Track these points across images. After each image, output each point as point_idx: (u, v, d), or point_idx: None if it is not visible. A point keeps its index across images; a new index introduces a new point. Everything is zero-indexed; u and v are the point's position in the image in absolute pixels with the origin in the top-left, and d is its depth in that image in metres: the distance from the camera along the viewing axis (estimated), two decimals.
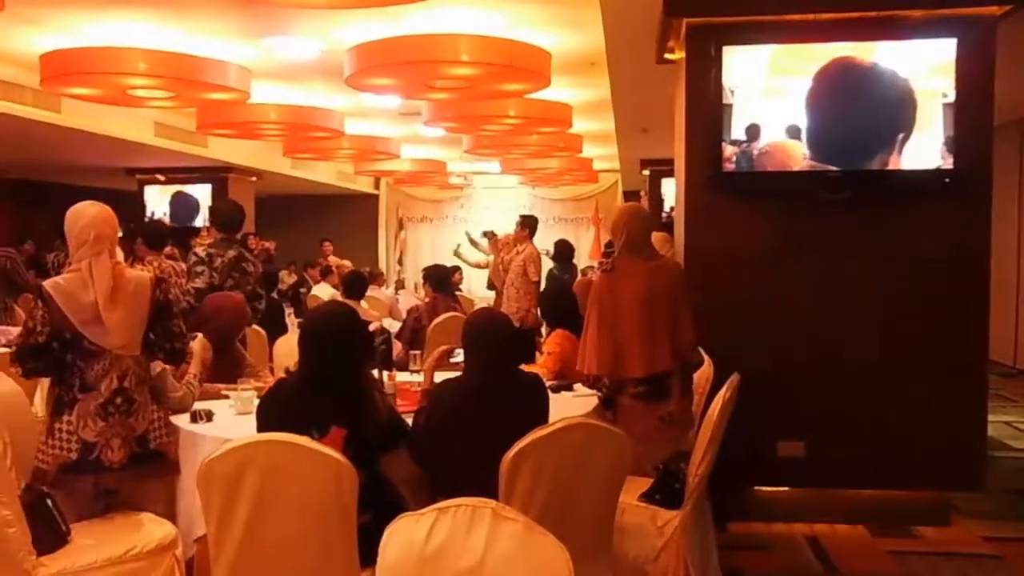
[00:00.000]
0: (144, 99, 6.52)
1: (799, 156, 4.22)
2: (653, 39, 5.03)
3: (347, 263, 11.29)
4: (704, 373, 3.98)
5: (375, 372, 3.73)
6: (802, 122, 4.20)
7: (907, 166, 4.17)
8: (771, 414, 4.28)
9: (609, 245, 9.01)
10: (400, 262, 16.56)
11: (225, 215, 5.61)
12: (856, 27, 4.19)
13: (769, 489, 4.51)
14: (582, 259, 11.04)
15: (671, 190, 10.23)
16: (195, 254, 5.43)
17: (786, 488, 4.50)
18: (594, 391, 3.82)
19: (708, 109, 4.30)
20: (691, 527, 3.22)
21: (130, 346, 3.05)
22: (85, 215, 3.08)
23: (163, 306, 3.14)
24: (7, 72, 7.01)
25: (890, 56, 4.14)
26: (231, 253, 5.27)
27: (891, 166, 4.18)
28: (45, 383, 3.90)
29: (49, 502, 2.83)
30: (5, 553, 2.68)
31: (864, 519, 4.40)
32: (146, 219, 11.64)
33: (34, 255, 10.53)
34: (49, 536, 2.78)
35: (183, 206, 11.95)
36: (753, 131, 4.24)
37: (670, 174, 9.24)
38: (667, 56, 5.01)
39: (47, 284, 3.03)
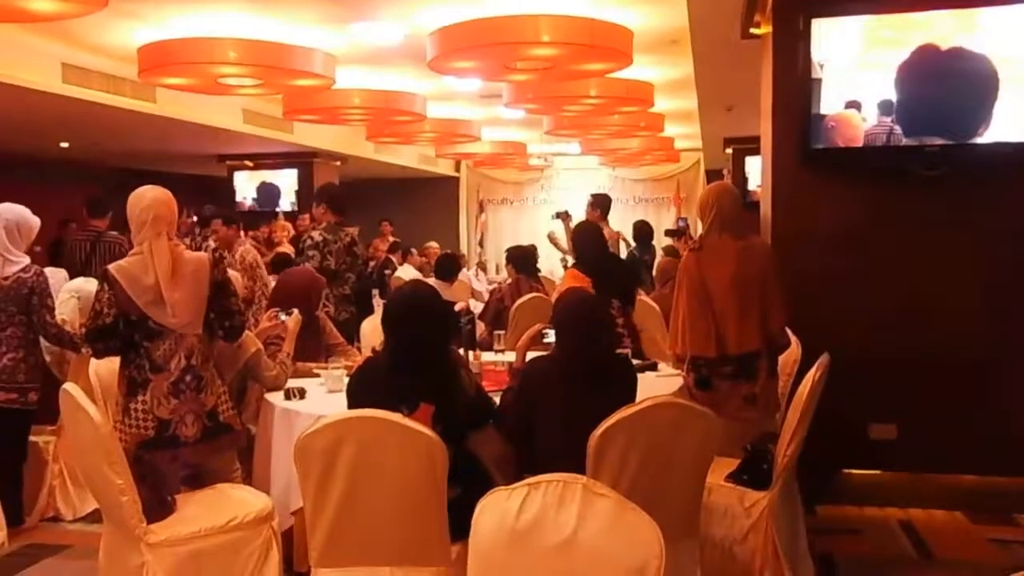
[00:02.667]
0: (234, 87, 6.72)
1: (861, 128, 4.08)
2: (738, 14, 4.92)
3: (434, 244, 11.43)
4: (792, 354, 3.91)
5: (461, 352, 3.78)
6: (895, 96, 4.06)
7: (1004, 138, 3.99)
8: (862, 396, 4.19)
9: (682, 221, 8.70)
10: (481, 244, 16.65)
11: (339, 200, 5.81)
12: None
13: (860, 472, 4.41)
14: (661, 239, 10.84)
15: (756, 168, 10.04)
16: (310, 237, 5.64)
17: (878, 472, 4.39)
18: (680, 371, 3.81)
19: (796, 85, 4.19)
20: (780, 509, 3.18)
21: (192, 324, 3.15)
22: (144, 198, 3.17)
23: (221, 285, 3.23)
24: (108, 65, 7.30)
25: (993, 24, 3.95)
26: (346, 239, 5.48)
27: (987, 139, 4.00)
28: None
29: (155, 473, 2.98)
30: (119, 520, 2.84)
31: (962, 505, 4.26)
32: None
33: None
34: (156, 505, 2.92)
35: (267, 193, 12.50)
36: (849, 106, 4.11)
37: (755, 152, 9.07)
38: (752, 31, 4.91)
39: (112, 267, 3.13)
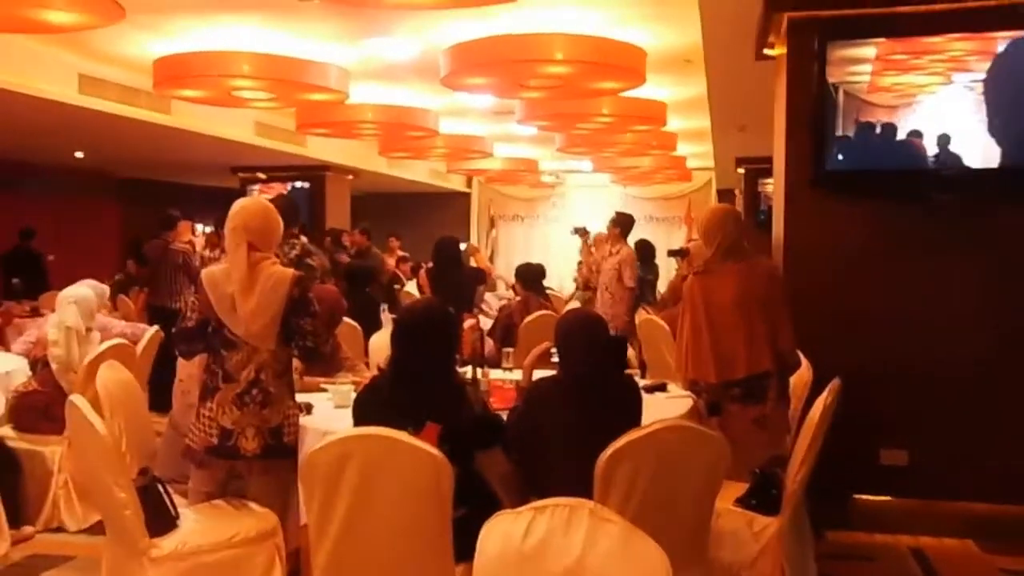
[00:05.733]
0: (248, 100, 6.76)
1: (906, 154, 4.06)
2: (752, 35, 4.92)
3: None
4: (802, 377, 3.87)
5: (470, 369, 3.76)
6: (919, 121, 4.03)
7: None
8: (873, 421, 4.14)
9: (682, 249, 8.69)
10: (491, 260, 16.66)
11: (285, 213, 5.58)
12: (975, 18, 3.99)
13: (870, 498, 4.35)
14: (664, 258, 10.80)
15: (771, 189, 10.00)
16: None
17: (888, 497, 4.34)
18: (690, 393, 3.78)
19: (810, 106, 4.17)
20: (789, 534, 3.14)
21: (262, 338, 3.12)
22: (234, 208, 3.23)
23: (297, 303, 3.16)
24: (123, 76, 7.36)
25: (1013, 50, 3.93)
26: (293, 252, 5.07)
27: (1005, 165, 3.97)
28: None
29: (160, 487, 2.97)
30: (122, 533, 2.83)
31: (973, 533, 4.20)
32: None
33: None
34: (160, 519, 2.91)
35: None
36: (862, 129, 4.10)
37: (767, 172, 9.05)
38: (766, 52, 4.89)
39: (203, 272, 3.20)
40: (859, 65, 4.10)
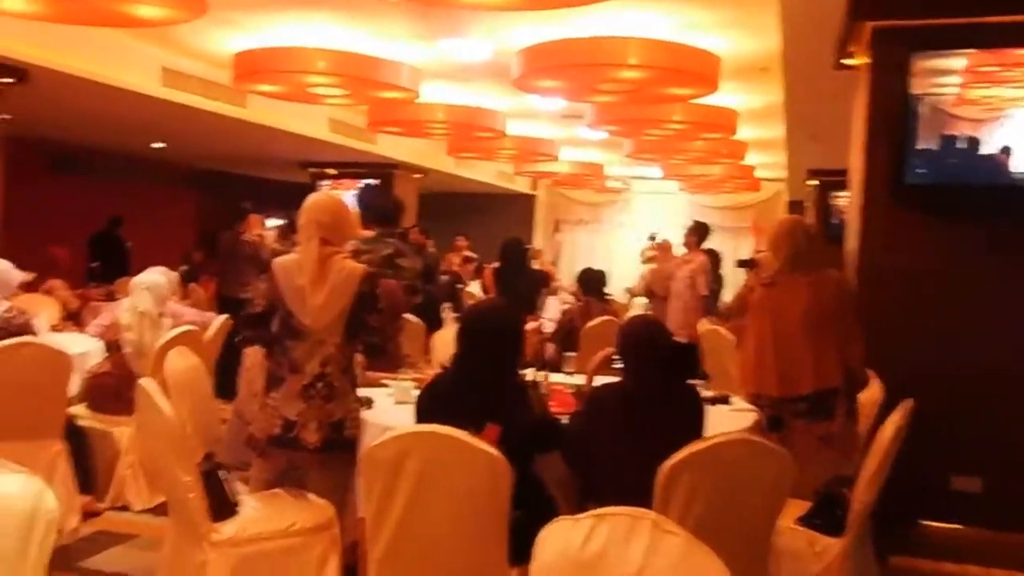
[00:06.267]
0: (321, 96, 6.87)
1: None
2: (832, 43, 4.80)
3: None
4: (873, 396, 3.77)
5: (531, 372, 3.74)
6: (1007, 135, 3.88)
7: None
8: (945, 445, 3.99)
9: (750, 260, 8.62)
10: (555, 264, 16.62)
11: (379, 210, 5.59)
12: None
13: (939, 525, 4.20)
14: (730, 269, 10.64)
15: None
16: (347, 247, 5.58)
17: (959, 526, 4.18)
18: (753, 407, 3.70)
19: (892, 118, 4.06)
20: (852, 557, 3.05)
21: (329, 331, 3.14)
22: (308, 202, 3.27)
23: (366, 299, 3.18)
24: (202, 70, 7.55)
25: None
26: (386, 251, 5.15)
27: None
28: None
29: (222, 473, 3.02)
30: (185, 516, 2.89)
31: None
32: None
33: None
34: (221, 504, 2.95)
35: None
36: (945, 142, 3.96)
37: (840, 185, 8.84)
38: (845, 61, 4.78)
39: (275, 261, 3.24)
40: (945, 77, 3.97)
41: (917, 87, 3.98)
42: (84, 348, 4.96)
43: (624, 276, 10.63)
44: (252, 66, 6.25)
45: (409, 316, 5.39)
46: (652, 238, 8.96)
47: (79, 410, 4.64)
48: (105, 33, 6.29)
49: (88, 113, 8.56)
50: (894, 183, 4.07)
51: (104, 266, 9.42)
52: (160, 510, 4.33)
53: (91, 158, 12.14)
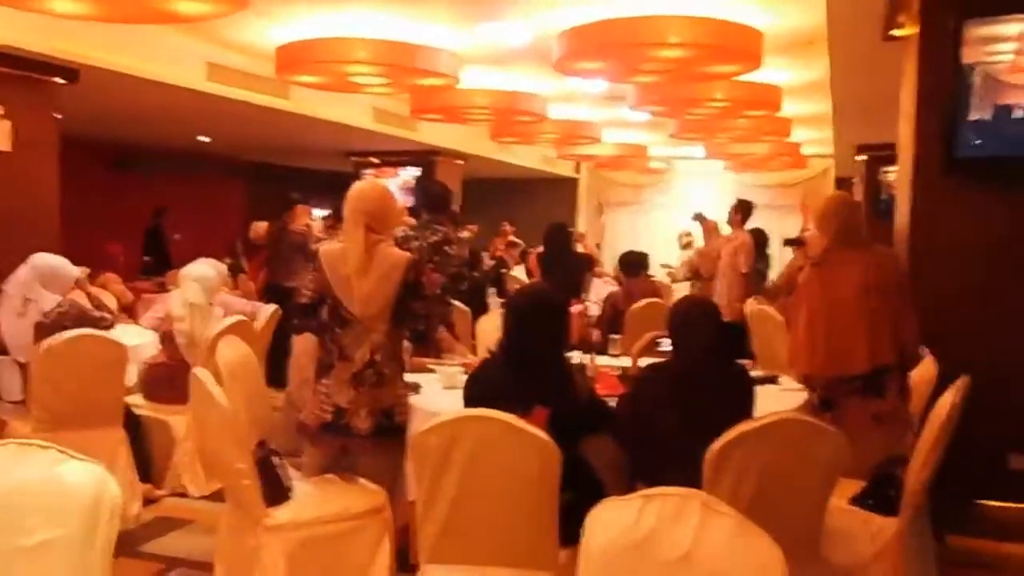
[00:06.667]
0: (363, 85, 6.90)
1: None
2: (880, 14, 4.69)
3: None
4: (926, 374, 3.69)
5: (577, 355, 3.75)
6: None
7: None
8: (1002, 422, 3.90)
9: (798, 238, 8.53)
10: (599, 247, 16.55)
11: (430, 197, 5.65)
12: None
13: (998, 504, 4.11)
14: (778, 248, 10.47)
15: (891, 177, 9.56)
16: (392, 234, 5.61)
17: (1019, 505, 4.09)
18: (803, 387, 3.66)
19: (943, 89, 3.95)
20: (908, 537, 3.00)
21: (376, 319, 3.18)
22: (352, 190, 3.29)
23: (412, 287, 3.21)
24: (244, 63, 7.63)
25: None
26: (433, 238, 5.24)
27: None
28: None
29: (275, 459, 3.08)
30: (240, 502, 2.95)
31: None
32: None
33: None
34: (275, 490, 3.01)
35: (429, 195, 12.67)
36: (1000, 113, 3.85)
37: (890, 160, 8.64)
38: (894, 32, 4.66)
39: (321, 250, 3.28)
40: (1000, 44, 3.84)
41: (969, 56, 3.87)
42: (139, 340, 5.08)
43: (667, 257, 10.55)
44: (294, 58, 6.31)
45: (455, 302, 5.42)
46: (698, 218, 8.86)
47: (136, 400, 4.76)
48: (150, 30, 6.40)
49: (136, 110, 8.71)
50: (946, 156, 3.96)
51: (154, 258, 9.64)
52: (216, 496, 4.44)
53: (142, 155, 12.39)
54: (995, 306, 4.04)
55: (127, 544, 3.83)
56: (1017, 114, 3.84)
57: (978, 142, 3.89)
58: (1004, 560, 3.91)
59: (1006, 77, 3.85)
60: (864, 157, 11.15)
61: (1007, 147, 3.89)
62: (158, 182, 12.72)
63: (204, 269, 5.07)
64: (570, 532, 2.34)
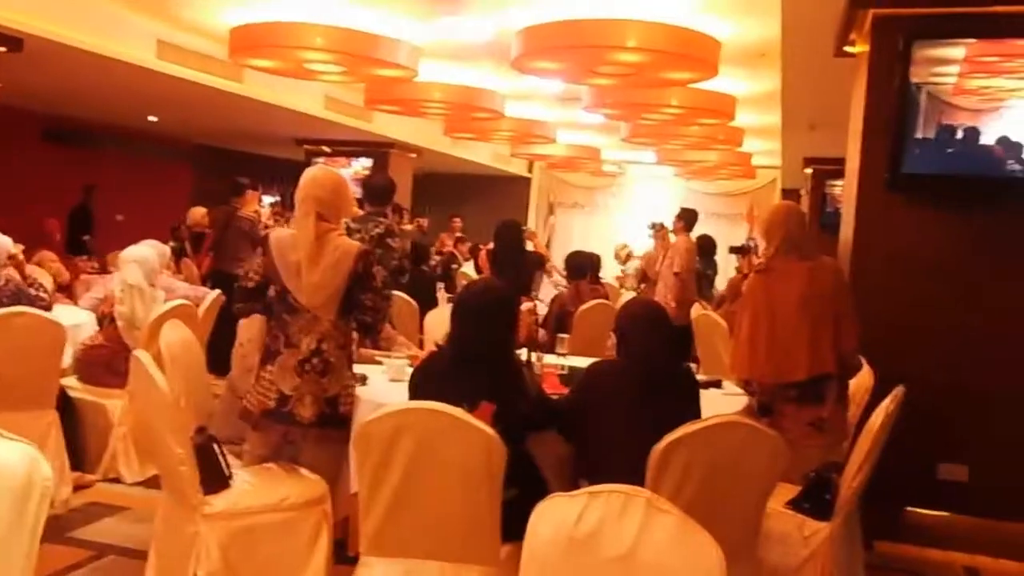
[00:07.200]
0: (318, 73, 6.81)
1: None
2: (833, 30, 4.79)
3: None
4: (863, 383, 3.79)
5: (526, 353, 3.75)
6: (1006, 126, 3.88)
7: None
8: (933, 433, 4.03)
9: (751, 241, 8.78)
10: (548, 247, 16.61)
11: (372, 189, 5.48)
12: None
13: (925, 512, 4.24)
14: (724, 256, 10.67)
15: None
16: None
17: (945, 513, 4.22)
18: (745, 391, 3.72)
19: (891, 107, 4.06)
20: (839, 541, 3.08)
21: (324, 308, 3.13)
22: (305, 178, 3.24)
23: (362, 278, 3.18)
24: (199, 44, 7.49)
25: None
26: (376, 230, 5.10)
27: None
28: None
29: (215, 446, 3.02)
30: (177, 489, 2.89)
31: None
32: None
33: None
34: (213, 477, 2.96)
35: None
36: (944, 132, 3.97)
37: (836, 174, 8.84)
38: (846, 49, 4.77)
39: (271, 236, 3.23)
40: (945, 66, 3.97)
41: (917, 76, 3.98)
42: (76, 320, 4.95)
43: (614, 261, 10.66)
44: (249, 40, 6.20)
45: (402, 295, 5.38)
46: (653, 227, 9.08)
47: (70, 382, 4.64)
48: (100, 4, 6.24)
49: (82, 84, 8.49)
50: (892, 172, 4.07)
51: (79, 239, 9.43)
52: (151, 483, 4.36)
53: (84, 130, 12.05)
54: (931, 320, 4.17)
55: (55, 530, 3.72)
56: (959, 134, 3.96)
57: (922, 160, 4.00)
58: (928, 566, 4.03)
59: (950, 98, 3.98)
60: (811, 170, 11.40)
61: (949, 166, 4.01)
62: (97, 158, 12.35)
63: (145, 251, 4.96)
64: (512, 528, 2.35)
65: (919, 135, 3.99)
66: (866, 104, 4.26)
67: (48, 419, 4.06)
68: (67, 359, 4.56)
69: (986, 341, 4.11)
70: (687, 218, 8.08)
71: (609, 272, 10.33)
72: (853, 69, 4.73)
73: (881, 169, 4.12)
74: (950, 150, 3.97)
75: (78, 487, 4.27)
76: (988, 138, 3.92)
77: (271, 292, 3.17)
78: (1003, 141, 3.90)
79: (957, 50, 3.95)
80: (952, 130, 3.97)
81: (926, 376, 3.81)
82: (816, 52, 5.21)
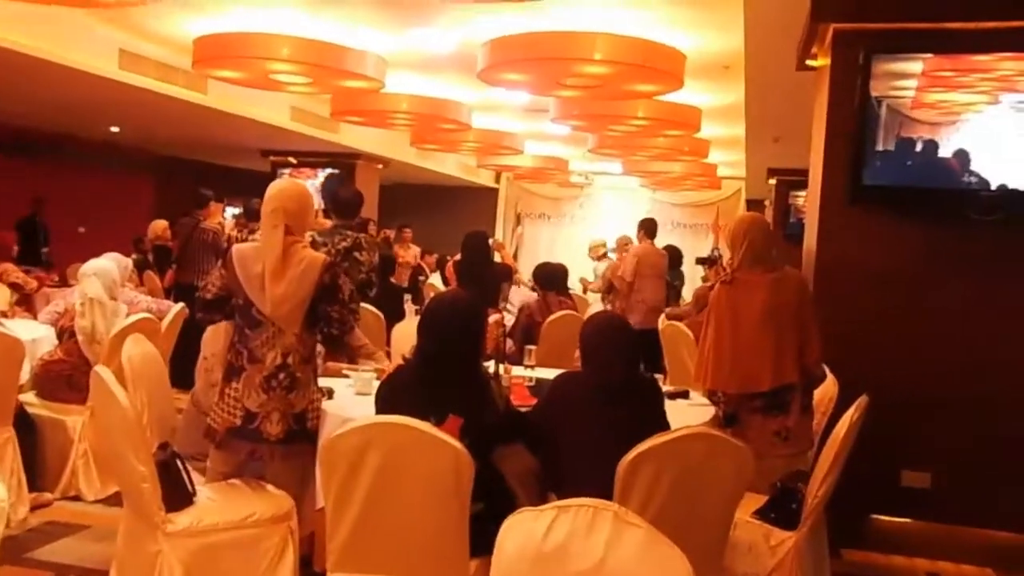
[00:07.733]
0: (284, 84, 6.78)
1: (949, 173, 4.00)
2: (795, 45, 4.87)
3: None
4: (828, 392, 3.83)
5: (494, 365, 3.75)
6: (962, 139, 3.96)
7: None
8: (896, 441, 4.09)
9: (716, 251, 8.91)
10: (515, 257, 16.63)
11: (340, 202, 5.37)
12: None
13: (889, 519, 4.29)
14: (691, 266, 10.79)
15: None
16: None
17: (908, 520, 4.28)
18: (710, 402, 3.75)
19: (851, 119, 4.12)
20: (806, 550, 3.10)
21: (289, 321, 3.10)
22: (272, 189, 3.21)
23: (327, 290, 3.15)
24: (161, 54, 7.41)
25: None
26: (343, 243, 5.02)
27: None
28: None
29: (178, 463, 2.97)
30: (139, 507, 2.84)
31: (994, 562, 4.13)
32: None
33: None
34: (177, 494, 2.91)
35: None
36: (903, 145, 4.04)
37: (800, 185, 8.97)
38: (808, 63, 4.84)
39: (233, 249, 3.20)
40: (904, 80, 4.04)
41: (877, 89, 4.05)
42: (34, 335, 4.85)
43: (584, 271, 10.69)
44: (213, 51, 6.15)
45: (369, 307, 5.34)
46: (617, 244, 9.21)
47: (29, 398, 4.54)
48: (61, 12, 6.14)
49: (41, 94, 8.35)
50: (852, 184, 4.13)
51: (28, 251, 9.26)
52: (112, 500, 4.28)
53: (41, 140, 11.84)
54: (893, 329, 4.23)
55: (12, 551, 3.63)
56: (918, 147, 4.04)
57: (883, 172, 4.07)
58: (893, 572, 4.08)
59: (909, 111, 4.05)
60: (775, 181, 11.55)
61: (909, 178, 4.09)
62: (56, 170, 12.13)
63: (105, 264, 4.87)
64: (480, 542, 2.34)
65: (879, 147, 4.06)
66: (828, 117, 4.32)
67: (4, 436, 3.97)
68: (25, 374, 4.46)
69: (946, 349, 4.18)
70: (647, 227, 8.17)
71: (581, 270, 10.37)
72: (815, 82, 4.80)
73: (842, 180, 4.18)
74: (909, 162, 4.04)
75: (36, 506, 4.17)
76: (946, 151, 4.00)
77: (229, 304, 3.16)
78: (959, 154, 3.98)
79: (915, 64, 4.03)
80: (911, 143, 4.04)
81: (888, 384, 3.86)
82: (779, 65, 5.29)
